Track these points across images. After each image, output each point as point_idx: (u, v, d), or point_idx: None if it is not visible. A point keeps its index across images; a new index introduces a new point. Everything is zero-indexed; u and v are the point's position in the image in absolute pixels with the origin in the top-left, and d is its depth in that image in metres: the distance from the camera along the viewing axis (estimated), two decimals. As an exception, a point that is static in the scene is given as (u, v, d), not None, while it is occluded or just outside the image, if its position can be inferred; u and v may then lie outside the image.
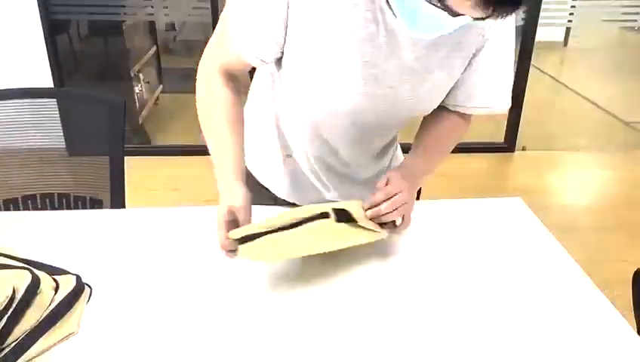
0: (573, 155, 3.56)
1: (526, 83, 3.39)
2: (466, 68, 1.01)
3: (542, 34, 3.30)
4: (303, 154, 1.14)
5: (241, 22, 0.94)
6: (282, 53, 0.96)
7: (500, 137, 3.57)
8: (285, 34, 0.92)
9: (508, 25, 1.00)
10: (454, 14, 0.76)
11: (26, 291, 0.78)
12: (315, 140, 1.11)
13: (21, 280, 0.80)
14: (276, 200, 1.21)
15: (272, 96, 1.11)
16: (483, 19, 0.74)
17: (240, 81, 1.04)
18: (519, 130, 3.51)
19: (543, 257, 1.04)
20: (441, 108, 1.08)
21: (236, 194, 0.94)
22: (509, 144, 3.55)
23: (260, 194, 1.21)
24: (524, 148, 3.56)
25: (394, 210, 0.97)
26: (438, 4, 0.75)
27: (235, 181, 0.96)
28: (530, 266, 0.99)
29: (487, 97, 1.06)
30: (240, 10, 0.93)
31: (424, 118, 1.13)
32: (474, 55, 0.99)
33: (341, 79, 0.94)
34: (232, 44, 0.96)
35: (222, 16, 0.98)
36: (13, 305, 0.77)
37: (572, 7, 3.28)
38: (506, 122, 3.53)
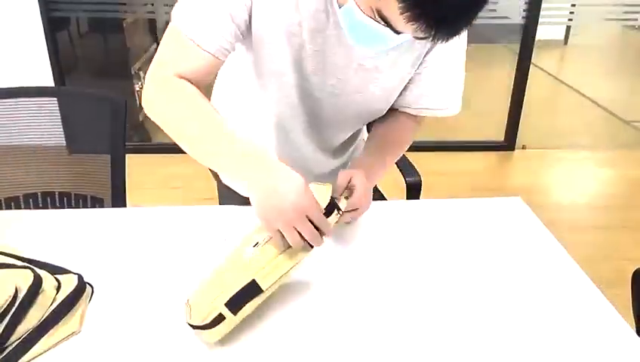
0: (573, 154, 3.56)
1: (526, 81, 3.40)
2: (415, 69, 1.02)
3: (542, 32, 3.30)
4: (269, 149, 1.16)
5: (199, 11, 0.90)
6: (242, 36, 0.94)
7: (500, 136, 3.58)
8: (249, 17, 0.93)
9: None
10: (398, 32, 0.78)
11: (29, 290, 0.79)
12: (280, 134, 1.13)
13: (23, 279, 0.80)
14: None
15: (236, 95, 1.12)
16: (425, 39, 0.76)
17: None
18: (519, 128, 3.51)
19: (543, 256, 1.04)
20: (391, 109, 1.12)
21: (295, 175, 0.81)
22: (509, 142, 3.55)
23: (228, 194, 1.22)
24: (524, 147, 3.56)
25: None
26: (383, 24, 0.77)
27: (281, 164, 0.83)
28: (530, 265, 1.00)
29: (436, 100, 1.10)
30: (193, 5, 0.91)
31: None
32: (424, 56, 1.02)
33: (293, 67, 0.98)
34: (190, 35, 0.90)
35: (169, 27, 0.95)
36: (16, 305, 0.77)
37: (572, 5, 3.28)
38: (506, 121, 3.53)
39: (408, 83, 1.06)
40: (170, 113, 0.92)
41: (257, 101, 1.09)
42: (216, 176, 1.34)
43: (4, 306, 0.75)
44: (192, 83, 0.92)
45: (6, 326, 0.75)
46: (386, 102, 1.08)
